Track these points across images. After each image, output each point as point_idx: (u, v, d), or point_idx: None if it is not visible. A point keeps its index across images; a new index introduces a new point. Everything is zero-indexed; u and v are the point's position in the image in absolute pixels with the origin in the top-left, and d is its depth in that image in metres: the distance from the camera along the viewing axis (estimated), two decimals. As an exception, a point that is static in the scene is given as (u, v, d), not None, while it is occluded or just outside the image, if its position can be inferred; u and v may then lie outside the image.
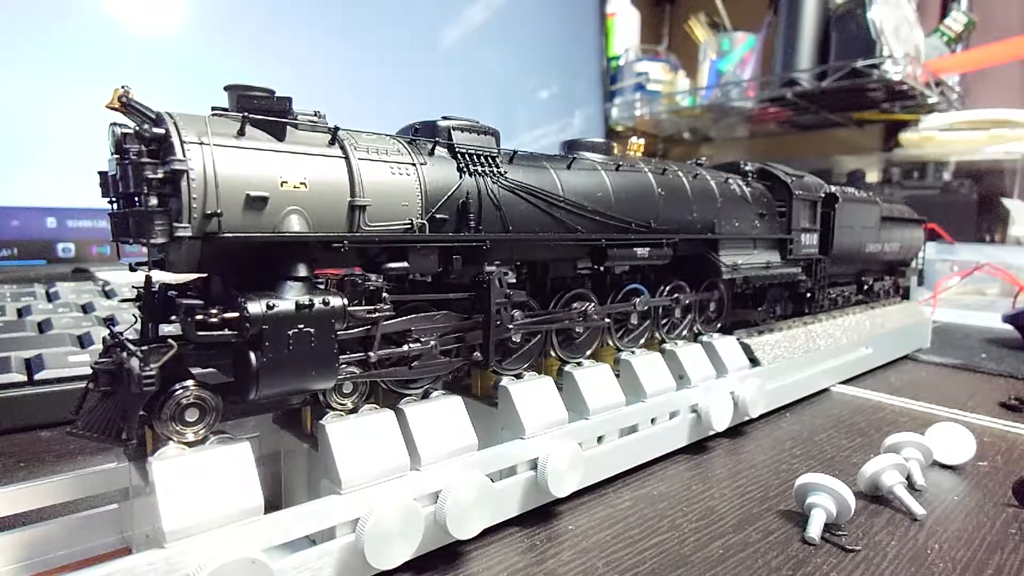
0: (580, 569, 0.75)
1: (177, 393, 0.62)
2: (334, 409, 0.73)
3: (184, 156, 0.58)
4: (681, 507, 0.94)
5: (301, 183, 0.65)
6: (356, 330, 0.70)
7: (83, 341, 1.32)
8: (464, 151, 0.82)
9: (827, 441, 1.24)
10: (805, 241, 1.48)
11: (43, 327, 1.36)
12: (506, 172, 0.86)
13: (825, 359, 1.55)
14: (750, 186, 1.34)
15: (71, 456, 1.05)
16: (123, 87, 0.61)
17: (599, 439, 0.99)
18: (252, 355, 0.60)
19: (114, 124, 0.61)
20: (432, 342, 0.76)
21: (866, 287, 1.92)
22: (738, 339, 1.37)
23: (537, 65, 3.68)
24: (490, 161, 0.84)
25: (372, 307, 0.70)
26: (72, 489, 0.73)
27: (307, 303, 0.62)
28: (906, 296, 2.20)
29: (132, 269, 0.66)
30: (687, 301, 1.19)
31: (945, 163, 3.38)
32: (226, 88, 0.67)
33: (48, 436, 1.14)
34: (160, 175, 0.57)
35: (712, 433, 1.19)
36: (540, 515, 0.89)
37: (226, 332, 0.59)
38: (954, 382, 1.72)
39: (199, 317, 0.58)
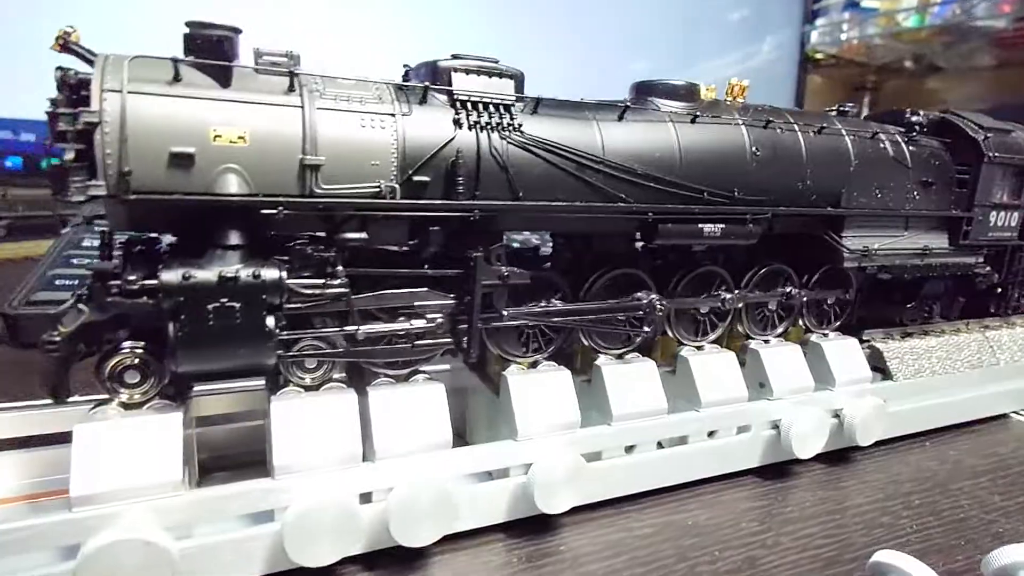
0: (543, 607, 0.64)
1: (112, 356, 0.60)
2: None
3: (99, 106, 0.53)
4: (714, 549, 0.77)
5: (239, 137, 0.58)
6: (306, 304, 0.62)
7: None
8: (465, 99, 0.68)
9: (970, 491, 0.94)
10: (997, 221, 1.09)
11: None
12: (522, 125, 0.70)
13: (1004, 378, 1.18)
14: (914, 144, 1.00)
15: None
16: (67, 27, 0.57)
17: (629, 448, 0.84)
18: (170, 327, 0.56)
19: (59, 68, 0.57)
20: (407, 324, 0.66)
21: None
22: (870, 342, 1.08)
23: (728, -21, 3.20)
24: (501, 111, 0.69)
25: (321, 281, 0.61)
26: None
27: (231, 276, 0.56)
28: None
29: (88, 222, 0.65)
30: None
31: None
32: (187, 24, 0.61)
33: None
34: (75, 127, 0.53)
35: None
36: (538, 527, 0.77)
37: (143, 300, 0.55)
38: None
39: (119, 282, 0.55)
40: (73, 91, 0.55)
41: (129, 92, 0.54)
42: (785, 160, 0.86)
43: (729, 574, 0.72)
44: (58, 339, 0.54)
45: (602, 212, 0.74)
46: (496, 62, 0.72)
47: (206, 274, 0.56)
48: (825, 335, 1.04)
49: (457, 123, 0.67)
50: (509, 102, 0.70)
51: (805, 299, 0.96)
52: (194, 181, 0.57)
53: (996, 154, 1.04)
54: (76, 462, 0.56)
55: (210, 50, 0.58)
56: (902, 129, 1.02)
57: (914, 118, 1.02)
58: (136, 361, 0.61)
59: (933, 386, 1.09)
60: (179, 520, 0.59)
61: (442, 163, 0.66)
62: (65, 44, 0.56)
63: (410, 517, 0.65)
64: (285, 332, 0.62)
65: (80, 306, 0.56)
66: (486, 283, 0.67)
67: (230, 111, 0.58)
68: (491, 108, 0.69)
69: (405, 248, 0.67)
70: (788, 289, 0.95)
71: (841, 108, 1.03)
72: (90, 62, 0.56)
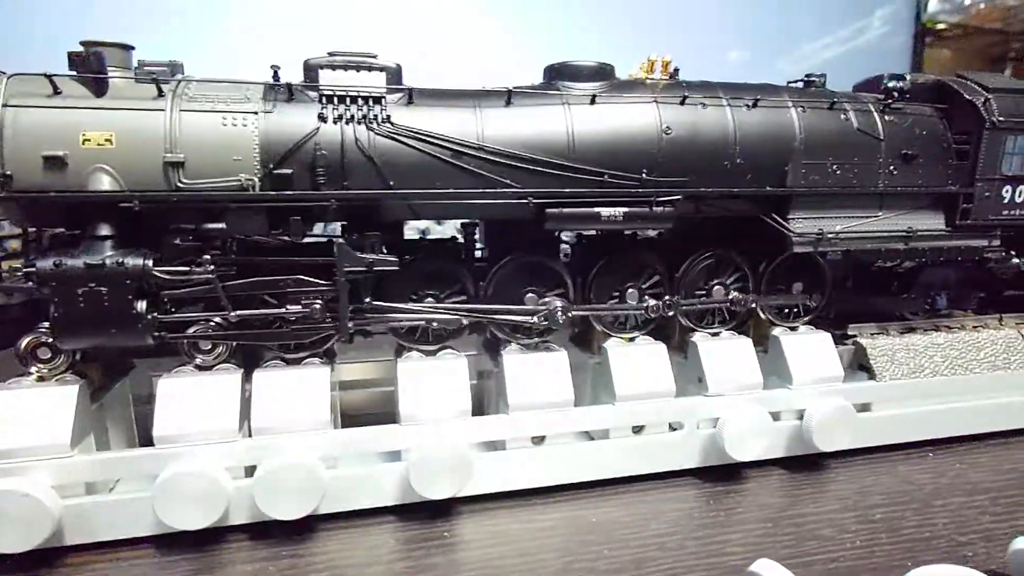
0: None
1: (29, 335, 0.70)
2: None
3: (-16, 119, 0.62)
4: (605, 548, 0.73)
5: (106, 140, 0.65)
6: (183, 290, 0.68)
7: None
8: (331, 93, 0.71)
9: (956, 510, 0.82)
10: (1015, 196, 0.93)
11: None
12: (391, 116, 0.72)
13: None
14: (892, 112, 0.89)
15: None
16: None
17: (539, 440, 0.82)
18: (51, 307, 0.64)
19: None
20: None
21: None
22: (856, 338, 0.97)
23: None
24: (368, 104, 0.71)
25: (186, 268, 0.67)
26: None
27: (97, 263, 0.63)
28: None
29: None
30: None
31: None
32: (81, 43, 0.69)
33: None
34: (-31, 138, 0.63)
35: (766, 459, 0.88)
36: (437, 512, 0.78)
37: (28, 285, 0.64)
38: None
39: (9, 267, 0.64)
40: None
41: (7, 105, 0.63)
42: (706, 138, 0.80)
43: (607, 573, 0.69)
44: (-43, 318, 0.64)
45: (478, 198, 0.73)
46: (374, 57, 0.74)
47: (75, 262, 0.63)
48: (793, 328, 0.95)
49: (322, 117, 0.70)
50: (378, 94, 0.72)
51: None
52: (69, 180, 0.65)
53: (1003, 118, 0.89)
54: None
55: (86, 65, 0.66)
56: (880, 96, 0.91)
57: (892, 83, 0.90)
58: (48, 340, 0.70)
59: (933, 389, 0.95)
60: (71, 479, 0.67)
61: (306, 156, 0.69)
62: (-24, 68, 0.66)
63: (275, 493, 0.69)
64: (159, 315, 0.68)
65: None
66: (349, 269, 0.70)
67: (100, 117, 0.65)
68: (358, 101, 0.71)
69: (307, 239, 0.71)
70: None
71: (807, 78, 0.93)
72: (-6, 83, 0.66)
